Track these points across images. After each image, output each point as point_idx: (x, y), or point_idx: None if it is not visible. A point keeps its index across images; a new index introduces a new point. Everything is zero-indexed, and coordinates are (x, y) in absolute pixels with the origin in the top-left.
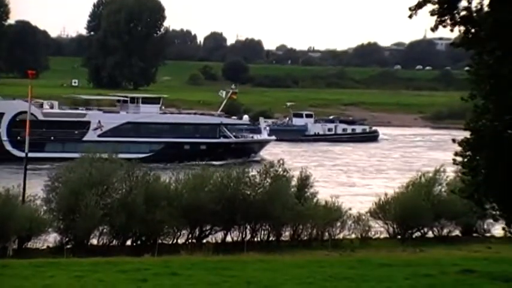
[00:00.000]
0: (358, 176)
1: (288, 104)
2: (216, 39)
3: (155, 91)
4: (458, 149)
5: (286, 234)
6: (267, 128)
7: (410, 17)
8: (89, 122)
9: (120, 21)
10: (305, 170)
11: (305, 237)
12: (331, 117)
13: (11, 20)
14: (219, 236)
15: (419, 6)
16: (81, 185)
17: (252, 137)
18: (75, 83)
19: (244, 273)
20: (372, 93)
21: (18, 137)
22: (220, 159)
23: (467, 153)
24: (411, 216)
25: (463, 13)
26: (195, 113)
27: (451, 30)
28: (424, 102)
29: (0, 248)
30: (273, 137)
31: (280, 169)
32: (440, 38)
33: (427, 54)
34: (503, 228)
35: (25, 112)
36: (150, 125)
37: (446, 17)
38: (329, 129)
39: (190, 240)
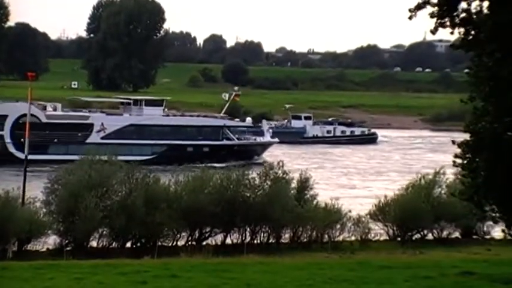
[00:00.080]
0: (358, 178)
1: (287, 106)
2: (215, 41)
3: (155, 93)
4: (458, 151)
5: (286, 237)
6: (270, 130)
7: (410, 18)
8: (92, 124)
9: (119, 23)
10: (305, 172)
11: (305, 240)
12: (329, 119)
13: (11, 22)
14: (219, 238)
15: (418, 7)
16: (80, 187)
17: (255, 139)
18: (74, 85)
19: (244, 275)
20: (371, 95)
21: (22, 139)
22: (223, 162)
23: (467, 155)
24: (411, 218)
25: (462, 15)
26: (198, 115)
27: (451, 33)
28: (423, 105)
29: (0, 250)
30: (276, 139)
31: (279, 171)
32: (440, 40)
33: (427, 56)
34: (503, 231)
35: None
36: (153, 127)
37: (446, 19)
38: (328, 131)
39: (190, 243)
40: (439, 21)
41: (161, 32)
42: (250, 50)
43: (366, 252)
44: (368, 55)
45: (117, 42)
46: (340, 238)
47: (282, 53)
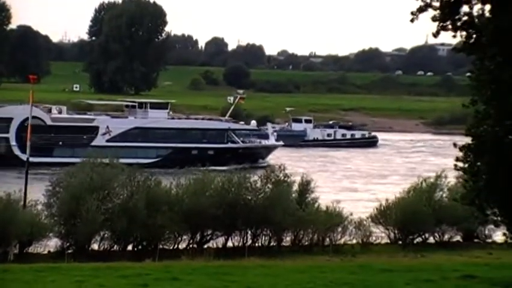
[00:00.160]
0: (360, 181)
1: (288, 109)
2: (217, 44)
3: (156, 96)
4: (460, 154)
5: (287, 240)
6: (274, 133)
7: (412, 21)
8: (97, 127)
9: (121, 26)
10: (306, 175)
11: (306, 243)
12: (330, 122)
13: (13, 25)
14: (220, 241)
15: (420, 10)
16: (82, 190)
17: (260, 142)
18: (76, 87)
19: (245, 278)
20: (373, 99)
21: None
22: (228, 165)
23: (469, 158)
24: (412, 222)
25: (464, 18)
26: (202, 118)
27: (454, 36)
28: (425, 108)
29: (1, 253)
30: (281, 142)
31: (281, 174)
32: (442, 44)
33: (429, 59)
34: (504, 234)
35: (34, 117)
36: (158, 130)
37: (447, 23)
38: (328, 135)
39: (191, 245)
40: (441, 24)
41: (163, 34)
42: (252, 53)
43: (367, 256)
44: (370, 58)
45: (118, 45)
46: (342, 241)
47: (284, 56)
